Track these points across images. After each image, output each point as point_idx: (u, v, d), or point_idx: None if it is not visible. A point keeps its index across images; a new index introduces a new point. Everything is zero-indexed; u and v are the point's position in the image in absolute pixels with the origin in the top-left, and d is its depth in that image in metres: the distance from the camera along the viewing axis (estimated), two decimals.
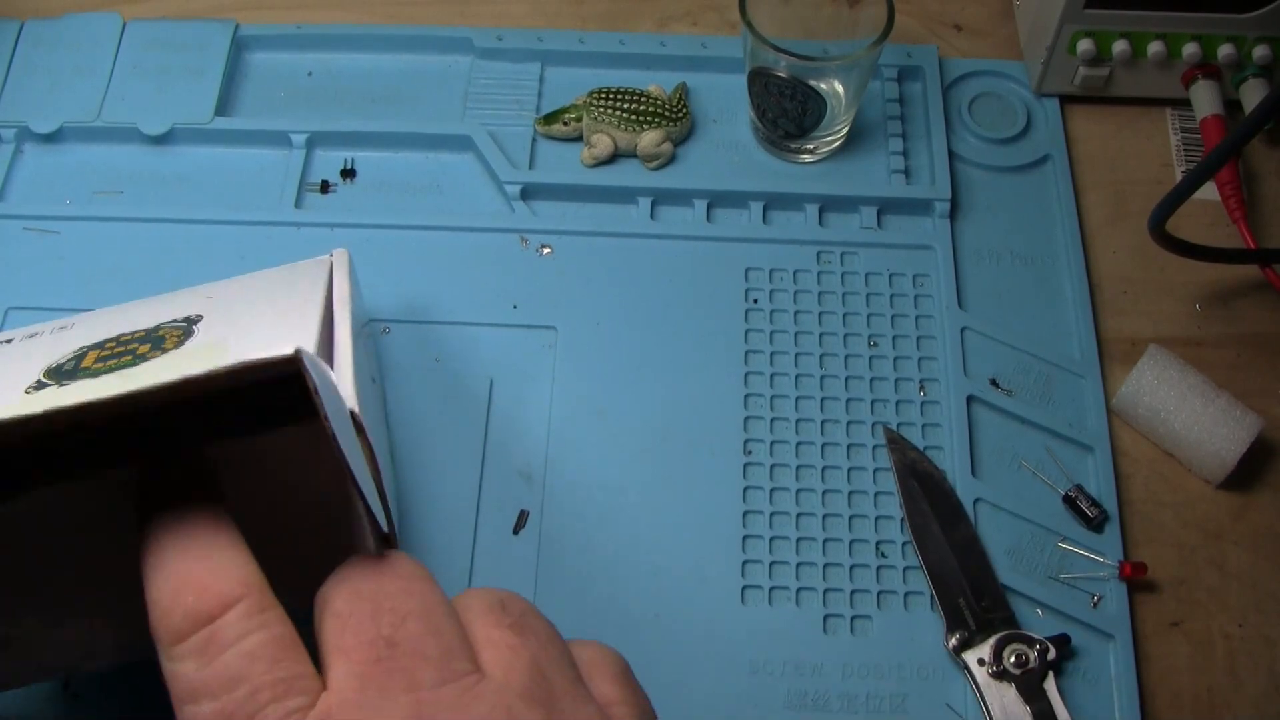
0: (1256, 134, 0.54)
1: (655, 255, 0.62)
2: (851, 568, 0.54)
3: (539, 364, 0.59)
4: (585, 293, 0.61)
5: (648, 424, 0.57)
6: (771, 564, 0.54)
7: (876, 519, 0.55)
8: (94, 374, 0.35)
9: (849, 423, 0.57)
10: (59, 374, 0.36)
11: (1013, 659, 0.50)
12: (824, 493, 0.55)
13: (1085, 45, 0.63)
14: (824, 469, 0.56)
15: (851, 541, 0.54)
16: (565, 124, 0.65)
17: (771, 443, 0.57)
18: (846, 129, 0.65)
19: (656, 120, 0.64)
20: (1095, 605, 0.53)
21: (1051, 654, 0.51)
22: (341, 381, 0.38)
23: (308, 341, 0.36)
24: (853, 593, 0.53)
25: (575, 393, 0.58)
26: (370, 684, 0.28)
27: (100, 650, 0.41)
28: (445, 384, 0.58)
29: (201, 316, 0.42)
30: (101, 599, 0.37)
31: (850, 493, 0.56)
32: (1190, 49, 0.63)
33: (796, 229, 0.63)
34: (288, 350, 0.30)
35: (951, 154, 0.65)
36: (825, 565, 0.54)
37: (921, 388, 0.58)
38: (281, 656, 0.28)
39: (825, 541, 0.54)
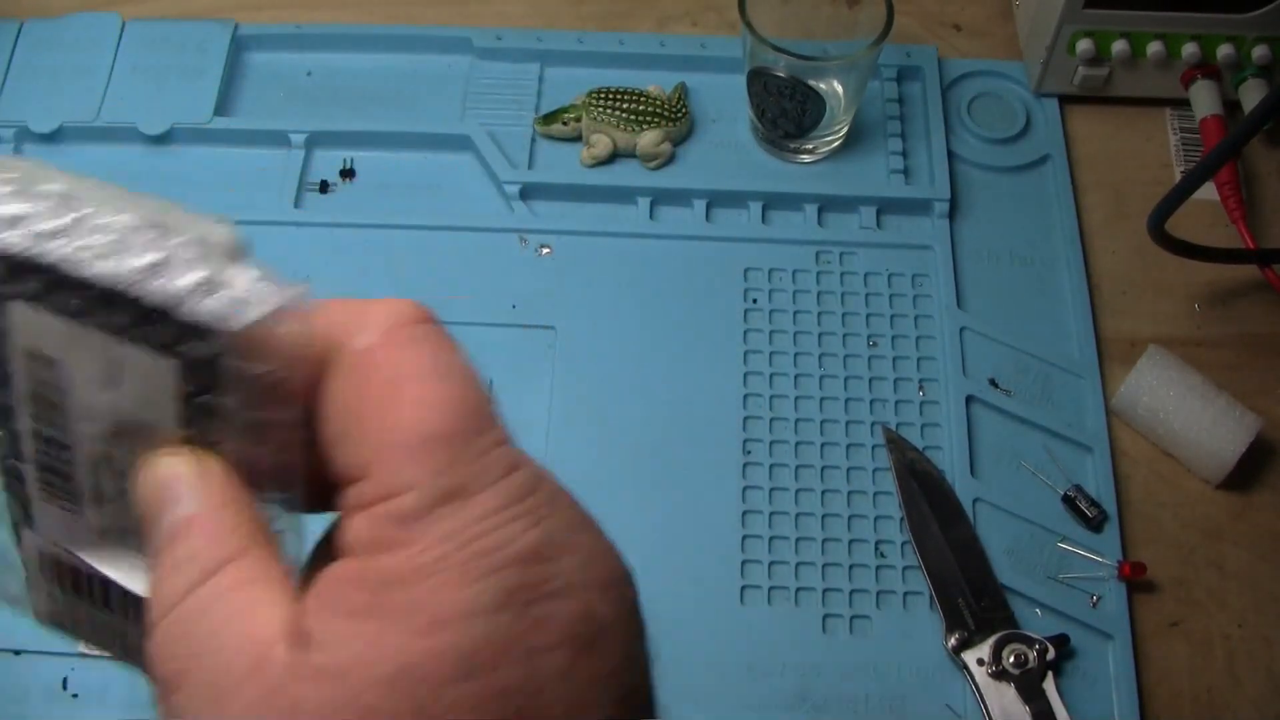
0: (1256, 134, 0.54)
1: (654, 255, 0.62)
2: (850, 567, 0.54)
3: (538, 364, 0.59)
4: (584, 292, 0.61)
5: (647, 424, 0.57)
6: (771, 564, 0.54)
7: (876, 519, 0.55)
8: None
9: (848, 423, 0.57)
10: None
11: (1012, 659, 0.50)
12: (823, 492, 0.55)
13: (1084, 45, 0.63)
14: (823, 469, 0.56)
15: (851, 541, 0.54)
16: (564, 124, 0.65)
17: (770, 442, 0.57)
18: (846, 129, 0.65)
19: (656, 120, 0.64)
20: (1094, 605, 0.53)
21: (1050, 654, 0.51)
22: None
23: None
24: (852, 593, 0.53)
25: (574, 392, 0.58)
26: None
27: None
28: None
29: None
30: None
31: (849, 493, 0.56)
32: (1190, 49, 0.63)
33: (796, 229, 0.63)
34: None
35: (951, 154, 0.65)
36: (824, 565, 0.54)
37: (921, 388, 0.58)
38: None
39: (824, 541, 0.54)
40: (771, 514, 0.55)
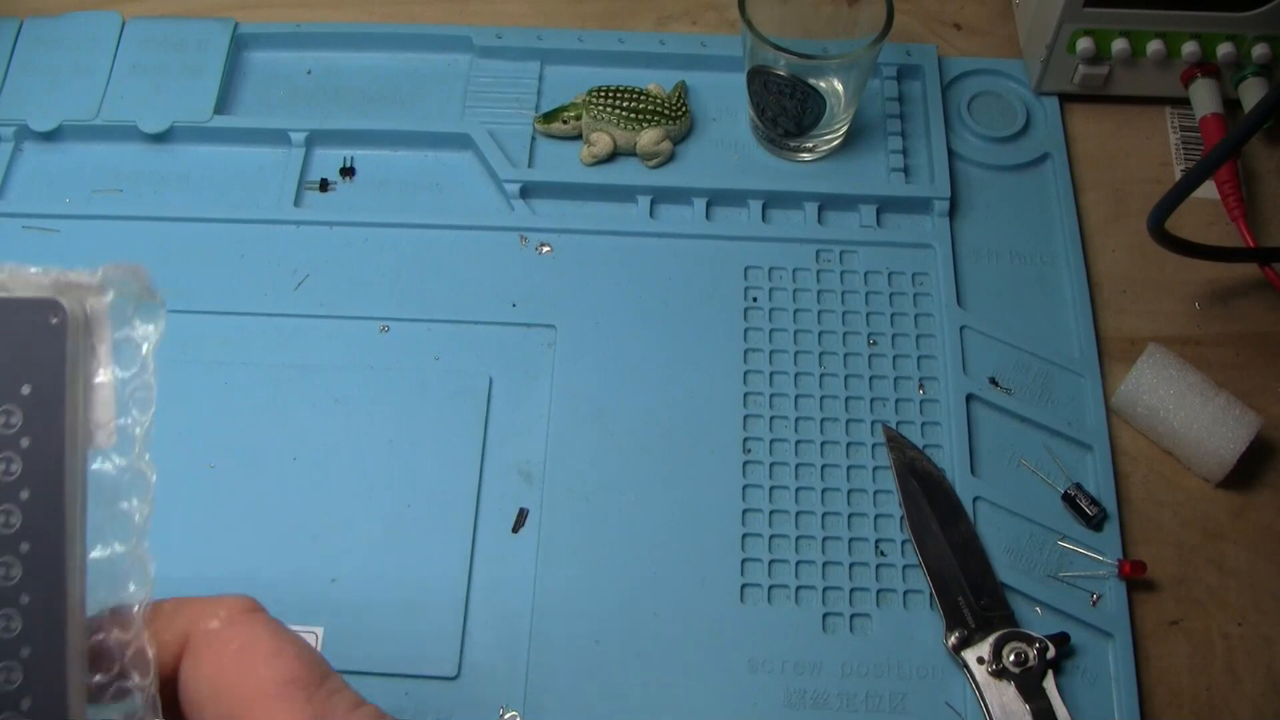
0: (1256, 133, 0.54)
1: (655, 254, 0.62)
2: (851, 566, 0.54)
3: (538, 362, 0.59)
4: (585, 291, 0.61)
5: (647, 423, 0.57)
6: (771, 562, 0.54)
7: (876, 517, 0.55)
8: None
9: (848, 421, 0.57)
10: None
11: (1012, 657, 0.50)
12: (823, 491, 0.56)
13: (1084, 44, 0.64)
14: (823, 467, 0.56)
15: (851, 540, 0.54)
16: (565, 122, 0.65)
17: (771, 441, 0.57)
18: (846, 127, 0.65)
19: (656, 119, 0.64)
20: (1094, 604, 0.53)
21: (1051, 652, 0.51)
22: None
23: None
24: (852, 591, 0.53)
25: (575, 391, 0.58)
26: None
27: None
28: (445, 382, 0.58)
29: None
30: None
31: (849, 491, 0.56)
32: (1189, 48, 0.63)
33: (796, 227, 0.63)
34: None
35: (951, 153, 0.65)
36: (824, 564, 0.54)
37: (921, 386, 0.58)
38: None
39: (824, 540, 0.54)
40: (772, 512, 0.55)
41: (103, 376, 0.31)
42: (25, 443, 0.30)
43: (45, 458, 0.30)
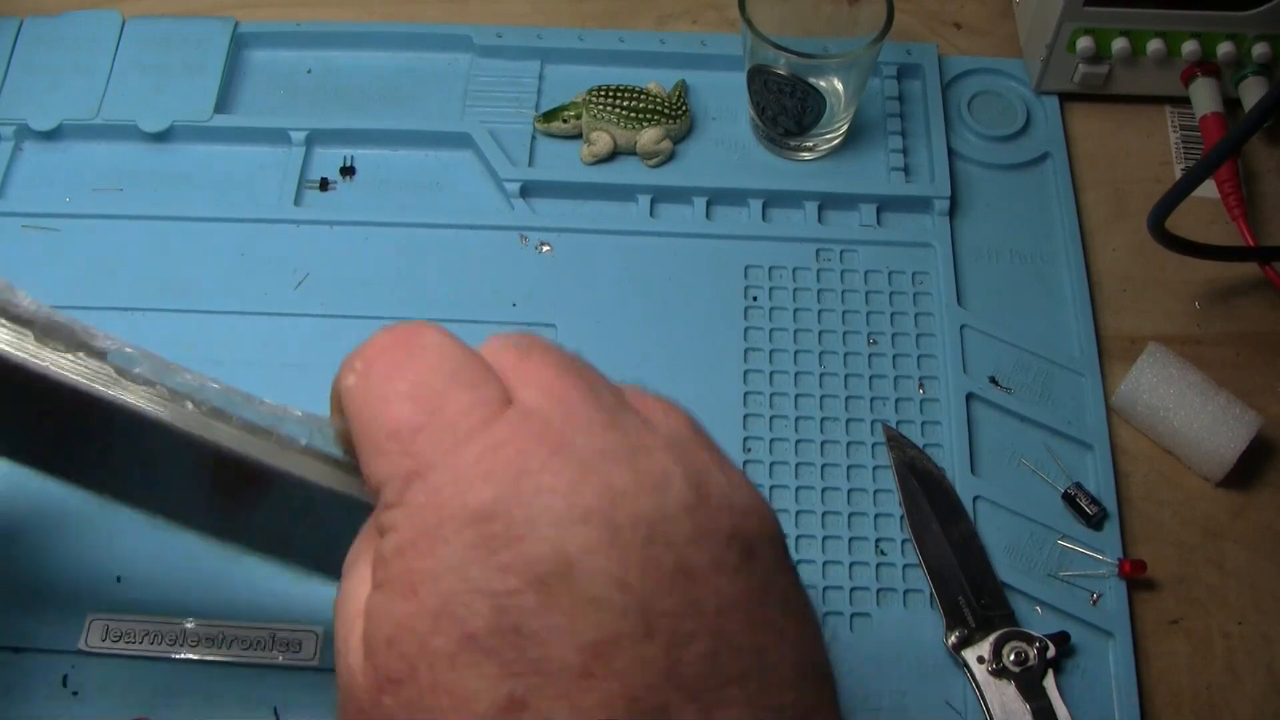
0: (1256, 132, 0.54)
1: (655, 253, 0.62)
2: (851, 565, 0.54)
3: None
4: (585, 290, 0.61)
5: None
6: None
7: (876, 516, 0.55)
8: None
9: (848, 420, 0.57)
10: None
11: (1012, 657, 0.50)
12: (823, 490, 0.55)
13: (1085, 43, 0.63)
14: (823, 466, 0.56)
15: (851, 539, 0.54)
16: (565, 121, 0.65)
17: (771, 440, 0.57)
18: (846, 126, 0.65)
19: (656, 118, 0.64)
20: (1094, 603, 0.53)
21: (1051, 652, 0.51)
22: None
23: None
24: (852, 590, 0.53)
25: None
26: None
27: None
28: None
29: None
30: None
31: (850, 490, 0.56)
32: (1190, 47, 0.63)
33: (796, 227, 0.63)
34: None
35: (951, 152, 0.65)
36: (825, 563, 0.54)
37: (921, 385, 0.58)
38: None
39: (825, 539, 0.54)
40: None
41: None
42: None
43: None
